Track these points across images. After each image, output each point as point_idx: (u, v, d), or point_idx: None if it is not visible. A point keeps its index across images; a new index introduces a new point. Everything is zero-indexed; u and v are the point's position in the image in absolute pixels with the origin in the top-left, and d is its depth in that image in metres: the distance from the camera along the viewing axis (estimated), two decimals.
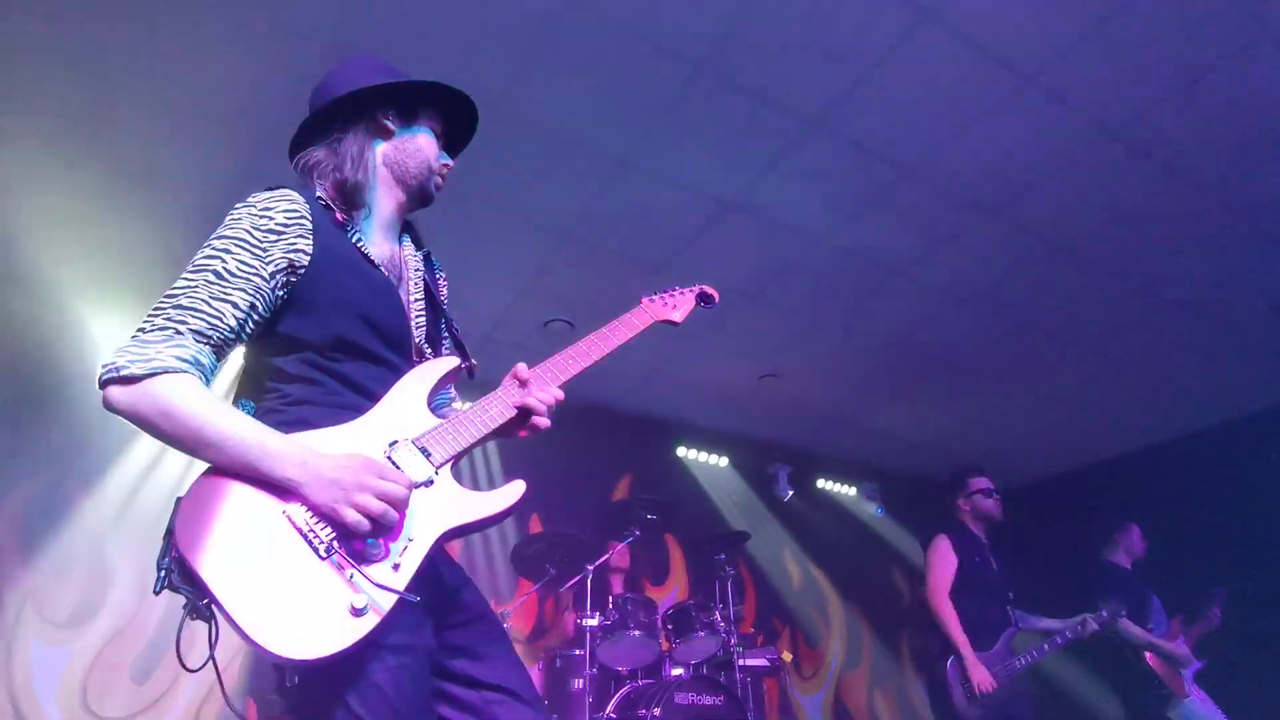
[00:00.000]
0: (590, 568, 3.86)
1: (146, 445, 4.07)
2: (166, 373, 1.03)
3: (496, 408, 1.26)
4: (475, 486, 1.19)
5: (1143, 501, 5.48)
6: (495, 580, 4.90)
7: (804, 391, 5.49)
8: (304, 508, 1.02)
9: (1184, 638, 3.95)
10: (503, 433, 1.30)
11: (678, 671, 3.86)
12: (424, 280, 1.40)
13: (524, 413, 1.29)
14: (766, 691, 4.72)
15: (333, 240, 1.22)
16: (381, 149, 1.37)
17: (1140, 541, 4.27)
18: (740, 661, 4.14)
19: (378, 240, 1.33)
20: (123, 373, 1.02)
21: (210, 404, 1.04)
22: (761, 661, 4.56)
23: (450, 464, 1.17)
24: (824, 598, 6.36)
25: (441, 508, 1.12)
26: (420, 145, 1.39)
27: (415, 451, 1.13)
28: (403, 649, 1.05)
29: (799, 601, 6.16)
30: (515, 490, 1.19)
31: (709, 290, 1.81)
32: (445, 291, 1.53)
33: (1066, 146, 3.33)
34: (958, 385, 5.45)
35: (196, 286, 1.09)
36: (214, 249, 1.13)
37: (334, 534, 1.01)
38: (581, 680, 3.64)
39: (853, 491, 6.76)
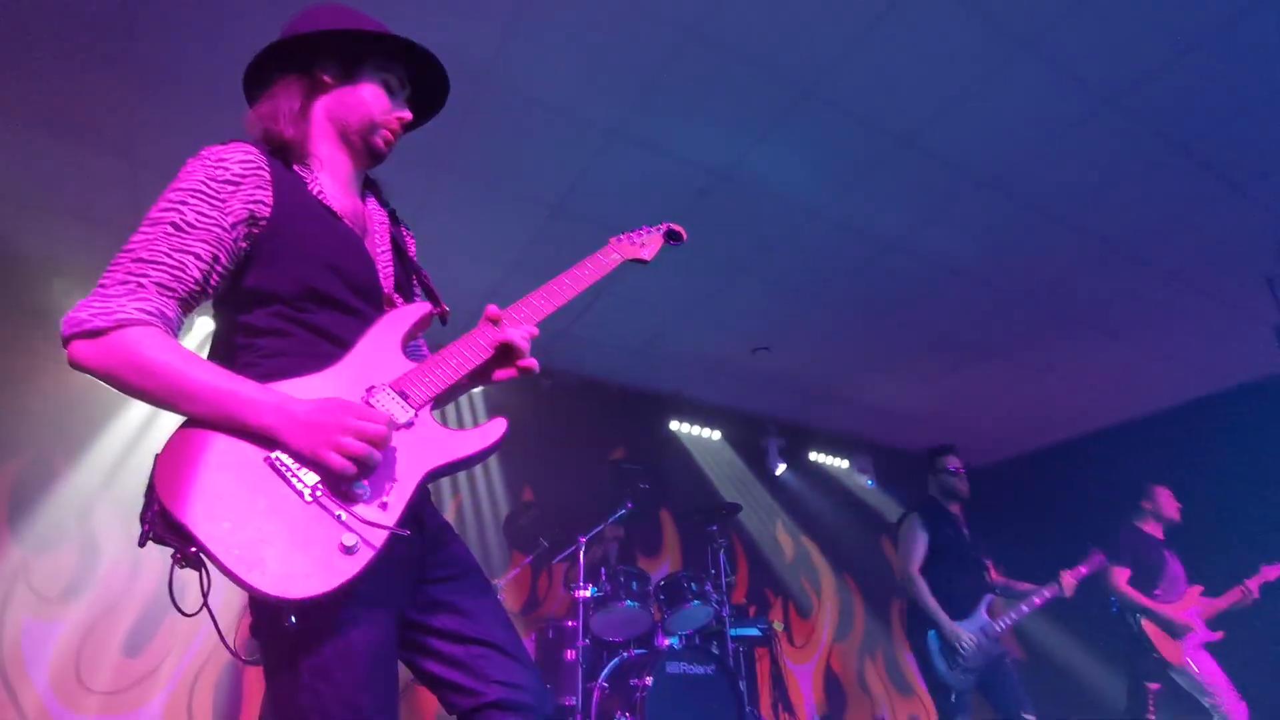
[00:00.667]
0: (583, 539, 3.87)
1: (133, 415, 4.04)
2: (132, 324, 1.00)
3: (472, 348, 1.24)
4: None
5: (1152, 468, 5.51)
6: (488, 554, 4.91)
7: (797, 365, 5.48)
8: (286, 454, 1.01)
9: (1198, 608, 3.93)
10: (483, 376, 1.29)
11: (670, 641, 3.89)
12: (390, 234, 1.37)
13: (501, 353, 1.27)
14: (758, 661, 4.77)
15: (292, 192, 1.19)
16: (322, 102, 1.31)
17: (1171, 504, 4.18)
18: (732, 631, 4.18)
19: (338, 194, 1.29)
20: (85, 327, 0.99)
21: (181, 354, 1.02)
22: (753, 631, 4.60)
23: (429, 405, 1.16)
24: (816, 569, 6.42)
25: (423, 448, 1.12)
26: (363, 98, 1.30)
27: (393, 395, 1.13)
28: (378, 604, 1.05)
29: (791, 573, 6.22)
30: (496, 428, 1.18)
31: (676, 227, 1.77)
32: (414, 248, 1.50)
33: (1061, 115, 3.29)
34: (951, 358, 5.45)
35: (155, 239, 1.06)
36: (170, 201, 1.09)
37: (318, 478, 1.01)
38: (574, 650, 3.67)
39: (845, 464, 6.79)
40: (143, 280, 1.04)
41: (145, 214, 1.10)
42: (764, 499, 6.29)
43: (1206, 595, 4.00)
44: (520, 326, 1.29)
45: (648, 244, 1.69)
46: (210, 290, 1.12)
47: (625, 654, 3.81)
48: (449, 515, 4.90)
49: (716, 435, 6.26)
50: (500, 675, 1.17)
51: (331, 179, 1.29)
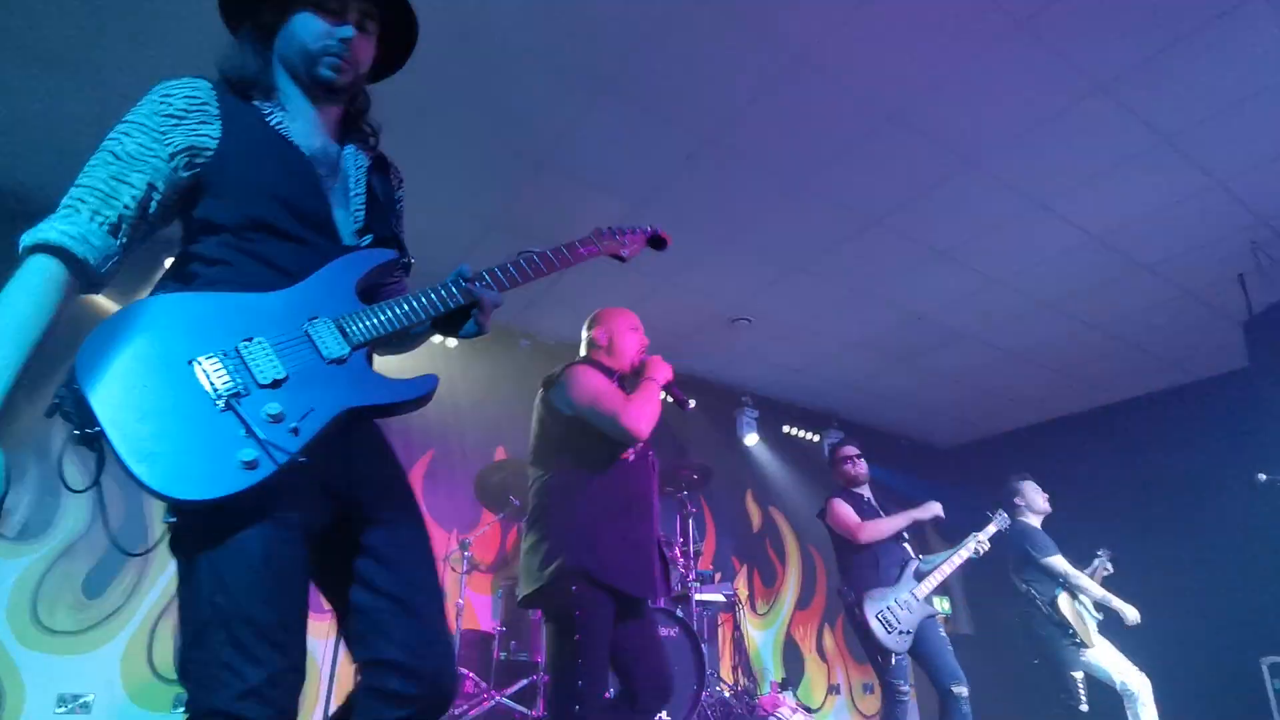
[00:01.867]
0: None
1: None
2: (40, 248, 1.03)
3: (431, 298, 1.25)
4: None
5: (1113, 455, 5.69)
6: (458, 510, 4.91)
7: (775, 337, 5.49)
8: (211, 358, 1.03)
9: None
10: (438, 328, 1.31)
11: None
12: (368, 180, 1.36)
13: (461, 312, 1.29)
14: (721, 625, 4.87)
15: (246, 124, 1.21)
16: (276, 43, 1.31)
17: (1036, 494, 4.35)
18: (697, 596, 4.25)
19: (305, 131, 1.29)
20: (20, 246, 1.03)
21: (28, 292, 1.01)
22: (718, 596, 4.68)
23: (368, 346, 1.17)
24: (782, 539, 6.53)
25: (349, 385, 1.12)
26: (293, 30, 1.27)
27: (333, 328, 1.14)
28: (282, 522, 1.05)
29: (757, 542, 6.32)
30: (426, 383, 1.19)
31: (662, 234, 1.78)
32: (401, 196, 1.50)
33: (1051, 101, 3.28)
34: (929, 339, 5.49)
35: (96, 167, 1.11)
36: (115, 133, 1.14)
37: (235, 388, 1.03)
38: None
39: (816, 438, 6.87)
40: (79, 205, 1.07)
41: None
42: (735, 469, 6.35)
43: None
44: (490, 290, 1.31)
45: (630, 244, 1.71)
46: (151, 219, 1.14)
47: None
48: (419, 469, 4.89)
49: (691, 403, 6.27)
50: (400, 635, 1.15)
51: (299, 116, 1.30)
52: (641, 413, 2.20)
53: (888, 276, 4.72)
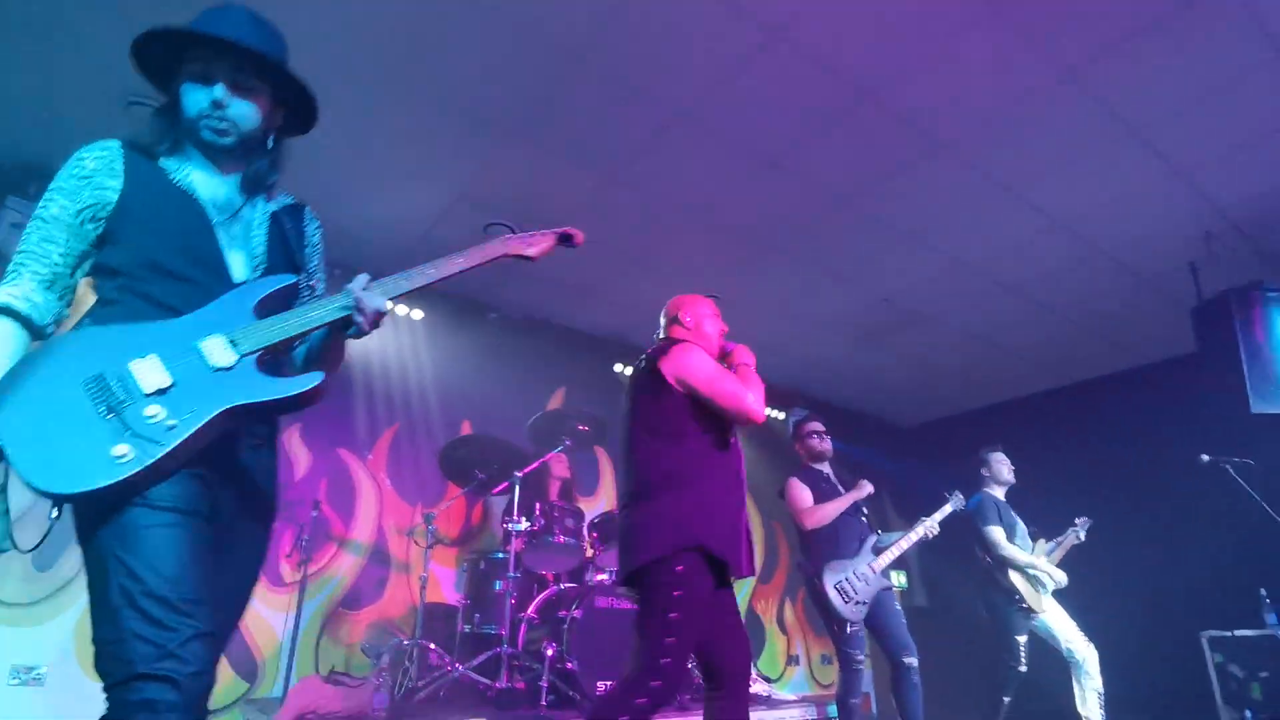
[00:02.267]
0: (519, 474, 3.88)
1: None
2: None
3: (318, 311, 1.38)
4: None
5: (1049, 436, 5.88)
6: (423, 484, 4.89)
7: (743, 315, 5.51)
8: (100, 375, 1.18)
9: (1045, 559, 4.40)
10: (337, 333, 1.46)
11: (601, 577, 3.98)
12: (274, 225, 1.50)
13: (349, 319, 1.40)
14: None
15: (148, 177, 1.37)
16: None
17: (1001, 465, 4.60)
18: None
19: (208, 183, 1.44)
20: None
21: None
22: None
23: (257, 354, 1.30)
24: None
25: (232, 387, 1.26)
26: (180, 100, 1.41)
27: (224, 342, 1.28)
28: (174, 510, 1.18)
29: None
30: (308, 380, 1.31)
31: (571, 231, 1.81)
32: (318, 238, 1.64)
33: (1020, 84, 3.32)
34: (894, 320, 5.57)
35: (30, 233, 1.30)
36: (44, 199, 1.32)
37: (121, 398, 1.17)
38: (504, 582, 3.72)
39: (781, 416, 6.95)
40: (21, 269, 1.29)
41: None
42: None
43: (1046, 542, 4.49)
44: (373, 299, 1.41)
45: (536, 244, 1.74)
46: (74, 272, 1.33)
47: (556, 588, 3.88)
48: (384, 441, 4.85)
49: None
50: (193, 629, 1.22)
51: (203, 169, 1.44)
52: (760, 397, 2.28)
53: (856, 257, 4.76)
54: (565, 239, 1.81)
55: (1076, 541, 4.48)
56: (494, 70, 3.24)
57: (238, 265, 1.40)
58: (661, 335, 2.60)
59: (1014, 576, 4.30)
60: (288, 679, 3.58)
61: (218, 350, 1.26)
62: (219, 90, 1.38)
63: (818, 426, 4.08)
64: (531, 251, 1.73)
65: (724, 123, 3.58)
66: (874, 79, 3.31)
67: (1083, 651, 4.18)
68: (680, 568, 2.04)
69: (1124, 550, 4.35)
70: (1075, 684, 4.20)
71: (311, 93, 1.52)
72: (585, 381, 5.86)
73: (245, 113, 1.42)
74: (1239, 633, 4.46)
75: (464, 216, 4.22)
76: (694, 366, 2.28)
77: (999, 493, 4.58)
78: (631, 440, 2.31)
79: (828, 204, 4.20)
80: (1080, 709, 4.15)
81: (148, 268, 1.31)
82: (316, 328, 1.38)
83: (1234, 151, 3.73)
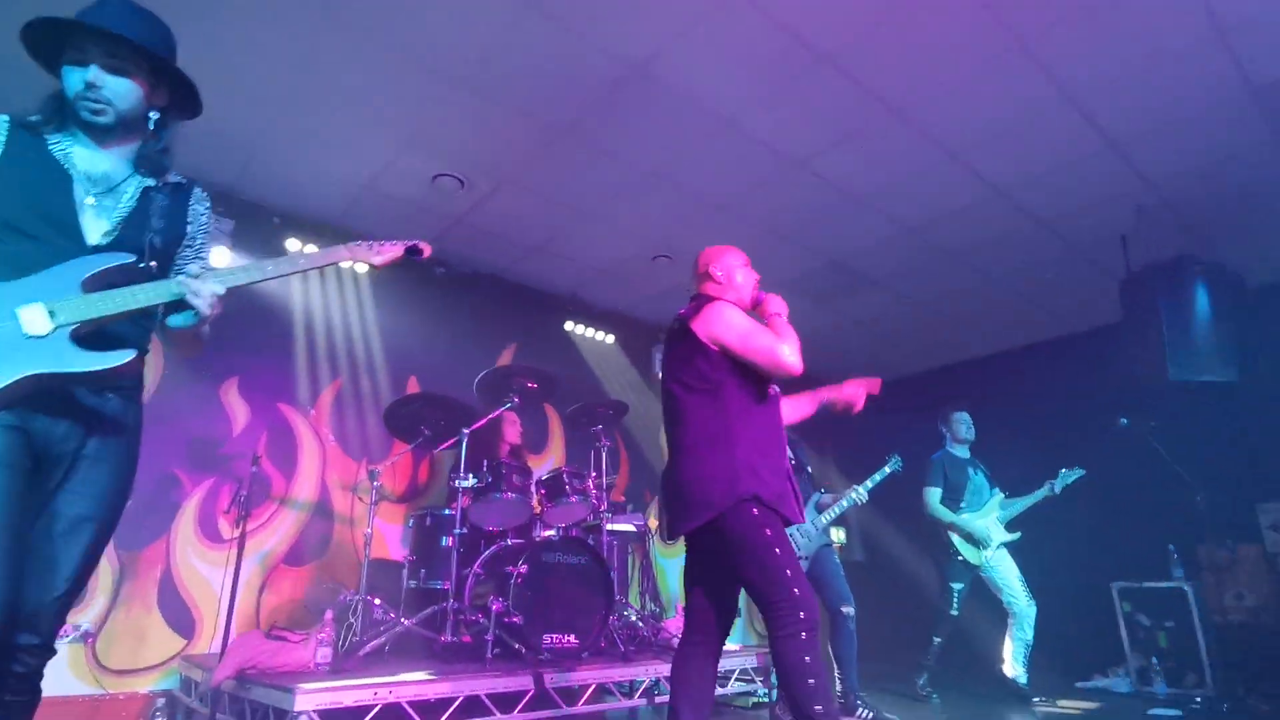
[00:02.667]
0: (466, 431, 3.85)
1: None
2: None
3: (146, 293, 1.46)
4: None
5: (1005, 396, 6.14)
6: (367, 439, 4.82)
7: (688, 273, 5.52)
8: None
9: (1001, 512, 4.68)
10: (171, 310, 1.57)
11: (548, 534, 4.01)
12: (145, 202, 1.58)
13: (181, 302, 1.50)
14: (632, 553, 5.03)
15: (25, 147, 1.48)
16: None
17: (959, 424, 4.89)
18: (608, 526, 4.36)
19: (88, 158, 1.54)
20: None
21: None
22: (628, 526, 4.82)
23: (74, 326, 1.38)
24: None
25: (41, 356, 1.34)
26: (64, 86, 1.52)
27: (44, 311, 1.36)
28: None
29: None
30: (116, 356, 1.41)
31: (418, 244, 1.86)
32: (205, 220, 1.74)
33: (977, 55, 3.35)
34: (844, 283, 5.67)
35: None
36: None
37: None
38: (451, 538, 3.71)
39: None
40: None
41: None
42: (651, 405, 6.45)
43: (1010, 498, 4.76)
44: (208, 283, 1.51)
45: (383, 253, 1.82)
46: None
47: (501, 543, 3.90)
48: (326, 396, 4.74)
49: (610, 339, 6.30)
50: (33, 591, 1.38)
51: (85, 146, 1.55)
52: (795, 349, 2.28)
53: (808, 220, 4.80)
54: (413, 251, 1.85)
55: (1050, 494, 4.64)
56: (442, 14, 3.11)
57: (93, 231, 1.51)
58: (693, 290, 2.60)
59: (950, 531, 4.56)
60: (226, 635, 3.53)
61: (36, 318, 1.35)
62: (92, 71, 1.50)
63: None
64: (377, 260, 1.81)
65: (679, 82, 3.52)
66: (833, 45, 3.29)
67: (1022, 606, 4.45)
68: (756, 511, 2.09)
69: (1046, 506, 4.66)
70: (1007, 637, 4.48)
71: (187, 76, 1.62)
72: (537, 338, 5.82)
73: (120, 91, 1.53)
74: (1147, 584, 4.80)
75: (411, 165, 4.08)
76: (727, 326, 2.29)
77: (957, 450, 4.84)
78: (673, 400, 2.34)
79: (781, 167, 4.20)
80: (1005, 669, 4.44)
81: (4, 227, 1.42)
82: (138, 309, 1.45)
83: (1166, 127, 3.86)
